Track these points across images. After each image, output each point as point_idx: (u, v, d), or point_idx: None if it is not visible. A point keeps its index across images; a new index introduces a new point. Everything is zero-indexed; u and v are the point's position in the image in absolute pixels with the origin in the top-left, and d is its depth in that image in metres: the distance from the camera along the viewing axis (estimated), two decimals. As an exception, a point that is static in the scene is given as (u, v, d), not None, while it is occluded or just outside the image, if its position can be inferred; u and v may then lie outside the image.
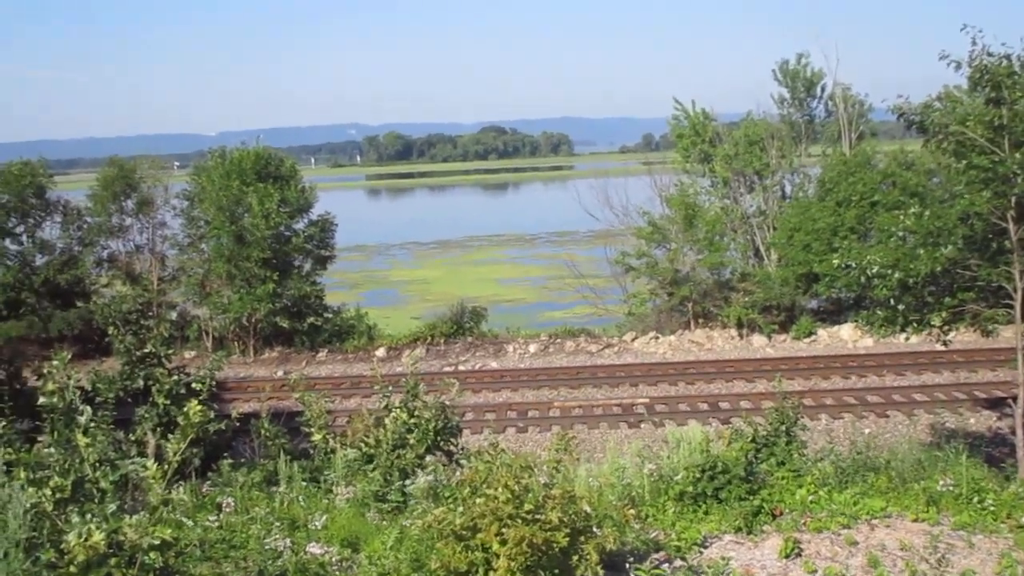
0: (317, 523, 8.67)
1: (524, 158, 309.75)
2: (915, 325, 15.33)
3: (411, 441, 10.68)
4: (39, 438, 7.57)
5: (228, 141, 38.62)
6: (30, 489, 6.12)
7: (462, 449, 11.60)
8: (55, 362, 6.82)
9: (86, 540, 5.60)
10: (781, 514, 9.15)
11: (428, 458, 10.50)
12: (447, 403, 11.63)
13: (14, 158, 36.04)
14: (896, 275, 14.54)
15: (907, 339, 16.58)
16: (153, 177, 37.62)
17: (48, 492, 6.12)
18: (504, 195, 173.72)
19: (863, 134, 38.93)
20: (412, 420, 10.99)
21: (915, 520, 8.99)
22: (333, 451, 11.30)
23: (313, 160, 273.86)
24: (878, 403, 23.40)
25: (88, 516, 5.96)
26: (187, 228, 36.32)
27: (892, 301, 15.09)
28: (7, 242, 34.36)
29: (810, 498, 9.47)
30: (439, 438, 11.16)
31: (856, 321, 31.07)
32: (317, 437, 11.65)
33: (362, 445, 10.87)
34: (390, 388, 11.82)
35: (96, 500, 6.31)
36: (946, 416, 21.34)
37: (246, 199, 33.50)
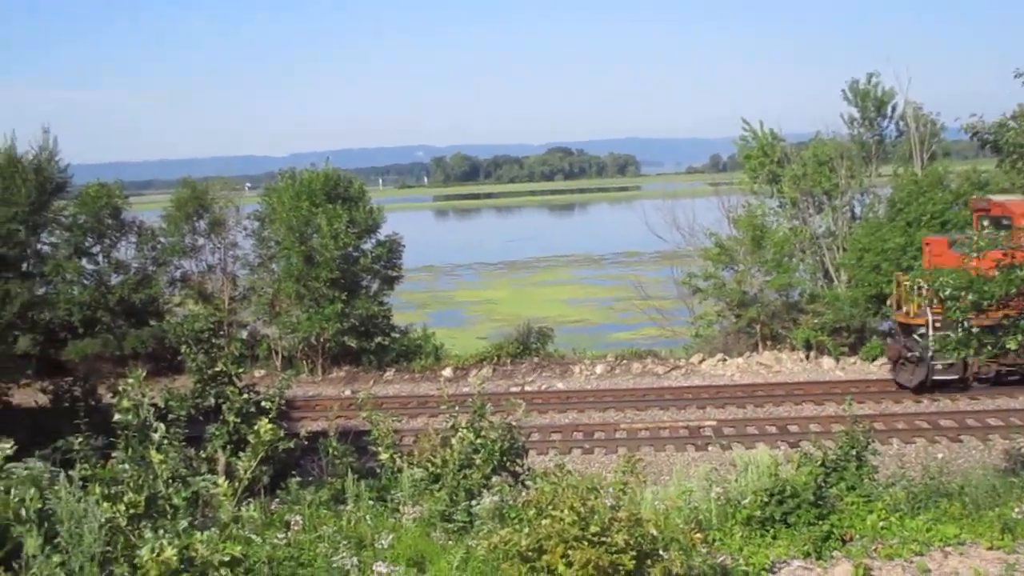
0: (384, 542, 8.72)
1: (591, 179, 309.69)
2: (990, 348, 15.04)
3: (477, 461, 10.70)
4: (113, 454, 7.72)
5: (298, 162, 39.21)
6: (105, 504, 6.25)
7: (528, 470, 11.60)
8: (130, 380, 6.95)
9: (158, 555, 5.70)
10: (851, 540, 9.01)
11: (494, 479, 10.53)
12: (513, 424, 11.65)
13: (91, 179, 36.86)
14: (970, 297, 14.28)
15: (982, 362, 16.24)
16: (225, 198, 38.23)
17: (122, 508, 6.25)
18: (570, 216, 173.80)
19: (935, 154, 38.31)
20: (478, 440, 11.01)
21: (990, 548, 8.80)
22: (400, 470, 11.36)
23: (381, 181, 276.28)
24: (951, 427, 22.95)
25: (160, 532, 6.08)
26: (258, 248, 36.87)
27: (966, 323, 14.82)
28: (84, 262, 35.09)
29: (881, 524, 9.31)
30: (505, 459, 11.18)
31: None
32: (384, 456, 11.73)
33: (429, 465, 10.92)
34: (457, 408, 11.87)
35: (168, 516, 6.42)
36: (1022, 441, 20.86)
37: (315, 220, 33.95)
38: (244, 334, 35.88)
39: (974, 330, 14.83)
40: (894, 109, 39.58)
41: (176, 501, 6.52)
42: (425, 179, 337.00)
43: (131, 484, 6.45)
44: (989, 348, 14.96)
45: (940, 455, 19.62)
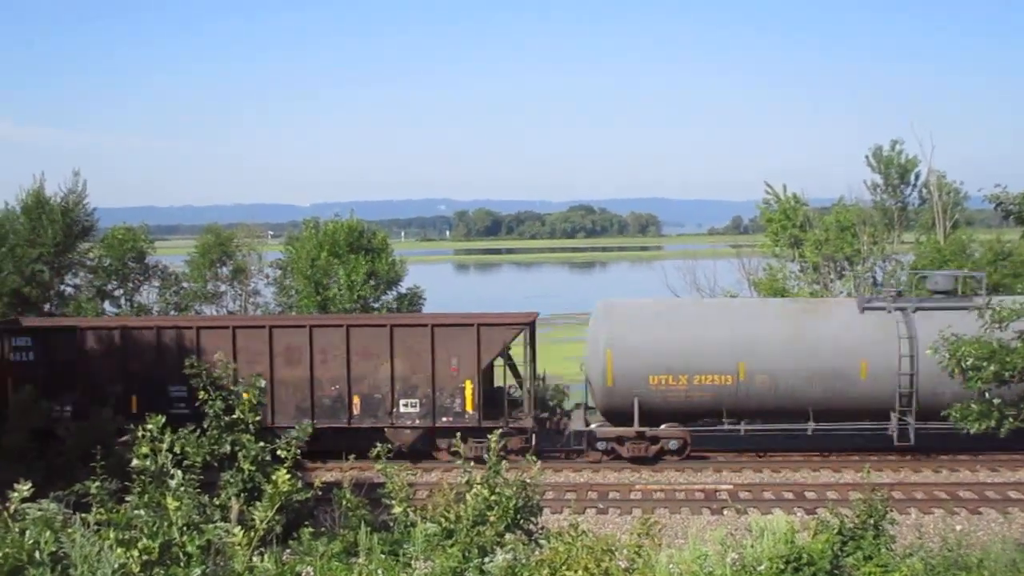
0: (395, 597, 8.66)
1: (612, 237, 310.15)
2: (1011, 420, 14.90)
3: (491, 518, 10.63)
4: (126, 498, 7.71)
5: (321, 212, 39.58)
6: (119, 550, 6.25)
7: (542, 528, 11.51)
8: (149, 425, 6.97)
9: (171, 603, 5.69)
10: (868, 611, 8.90)
11: (508, 536, 10.45)
12: (528, 481, 11.59)
13: (118, 222, 37.31)
14: (991, 368, 14.18)
15: (1004, 433, 16.04)
16: (248, 245, 38.57)
17: (136, 553, 6.25)
18: (591, 274, 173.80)
19: (958, 222, 38.34)
20: (493, 497, 10.95)
21: (1009, 624, 8.67)
22: (413, 524, 11.29)
23: (403, 233, 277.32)
24: (970, 499, 22.67)
25: (173, 579, 6.07)
26: (278, 297, 37.07)
27: (987, 394, 14.71)
28: (106, 304, 35.35)
29: (899, 595, 9.20)
30: (519, 516, 11.10)
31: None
32: (398, 510, 11.66)
33: (442, 520, 10.85)
34: (472, 463, 11.83)
35: (182, 564, 6.41)
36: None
37: (334, 270, 34.11)
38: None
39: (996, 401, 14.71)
40: (917, 176, 39.76)
41: (190, 549, 6.53)
42: (447, 233, 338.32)
43: (146, 530, 6.46)
44: (1011, 420, 14.82)
45: (959, 527, 19.38)
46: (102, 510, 6.81)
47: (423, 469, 25.51)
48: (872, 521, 10.92)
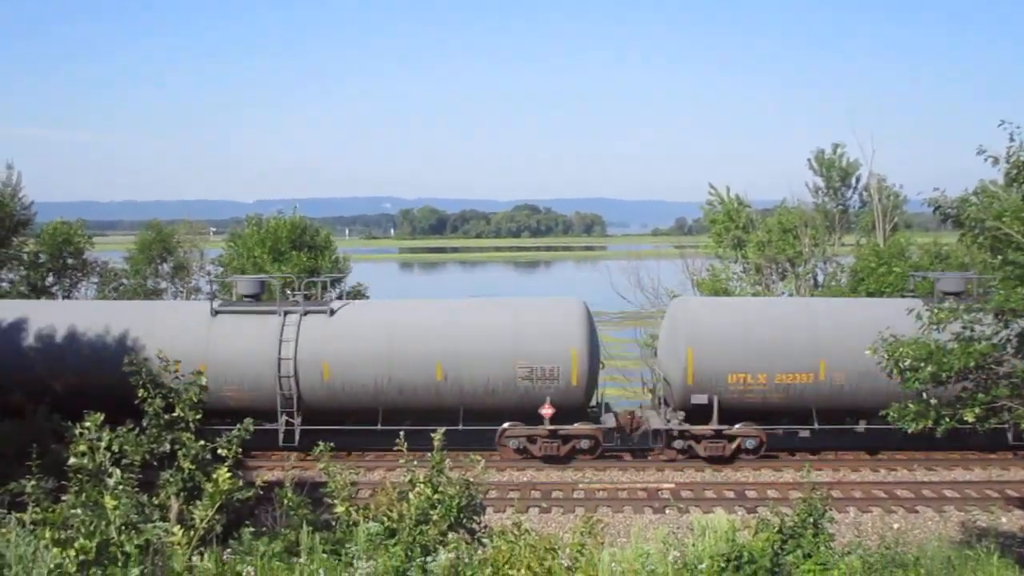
0: (337, 597, 8.60)
1: (557, 237, 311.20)
2: (947, 420, 15.11)
3: (434, 517, 10.60)
4: (63, 497, 7.57)
5: (265, 209, 39.22)
6: (55, 550, 6.13)
7: (485, 527, 11.50)
8: (87, 423, 6.85)
9: (108, 604, 5.60)
10: (807, 608, 9.00)
11: (451, 535, 10.43)
12: (471, 480, 11.57)
13: (56, 217, 36.71)
14: (928, 369, 14.36)
15: (940, 433, 16.29)
16: (190, 242, 38.12)
17: (72, 553, 6.13)
18: (535, 273, 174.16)
19: (897, 225, 38.95)
20: (436, 496, 10.92)
21: (944, 621, 8.81)
22: (356, 524, 11.22)
23: (348, 231, 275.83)
24: (907, 498, 23.03)
25: (111, 580, 5.97)
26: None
27: (924, 395, 14.90)
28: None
29: (837, 593, 9.31)
30: (462, 515, 11.08)
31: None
32: (340, 509, 11.59)
33: (385, 519, 10.80)
34: (415, 462, 11.78)
35: (120, 564, 6.30)
36: (977, 514, 20.97)
37: (268, 268, 33.75)
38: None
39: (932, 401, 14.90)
40: (858, 180, 40.34)
41: (128, 548, 6.41)
42: (392, 231, 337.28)
43: (83, 529, 6.33)
44: (947, 420, 15.03)
45: (896, 525, 19.67)
46: (38, 509, 6.67)
47: (366, 468, 25.40)
48: (811, 520, 11.04)
